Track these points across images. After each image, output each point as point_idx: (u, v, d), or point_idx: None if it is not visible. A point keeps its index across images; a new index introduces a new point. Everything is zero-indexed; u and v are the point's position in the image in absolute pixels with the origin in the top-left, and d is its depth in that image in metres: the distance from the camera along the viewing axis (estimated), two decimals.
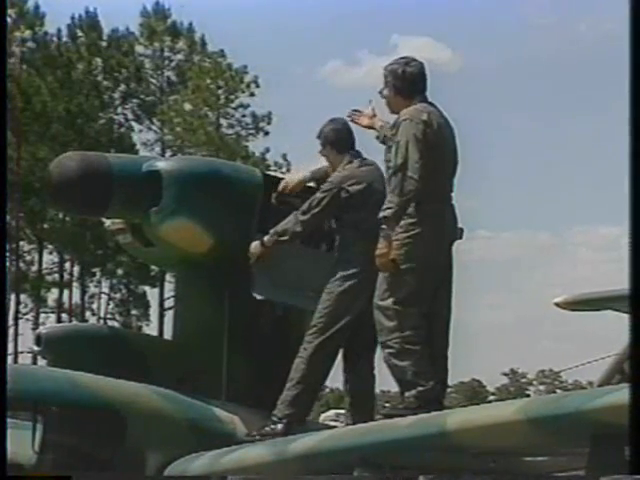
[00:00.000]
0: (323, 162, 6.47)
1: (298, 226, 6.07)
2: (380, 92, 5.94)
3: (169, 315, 33.98)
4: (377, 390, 6.45)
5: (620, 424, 4.14)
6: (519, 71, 75.64)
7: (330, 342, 5.99)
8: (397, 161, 5.62)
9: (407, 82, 5.82)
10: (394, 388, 5.92)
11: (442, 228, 5.69)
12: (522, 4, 74.33)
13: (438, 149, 5.66)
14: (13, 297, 36.95)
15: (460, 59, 72.39)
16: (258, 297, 6.24)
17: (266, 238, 6.14)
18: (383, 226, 5.63)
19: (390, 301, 5.62)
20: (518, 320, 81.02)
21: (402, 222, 5.63)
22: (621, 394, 4.20)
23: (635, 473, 3.97)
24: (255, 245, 6.18)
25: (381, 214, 5.64)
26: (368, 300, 5.74)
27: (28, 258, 40.62)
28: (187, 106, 38.99)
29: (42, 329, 6.93)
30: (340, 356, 6.19)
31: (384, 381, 6.24)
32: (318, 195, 6.09)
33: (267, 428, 5.91)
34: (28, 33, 39.08)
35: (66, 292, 41.20)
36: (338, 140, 6.28)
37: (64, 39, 40.86)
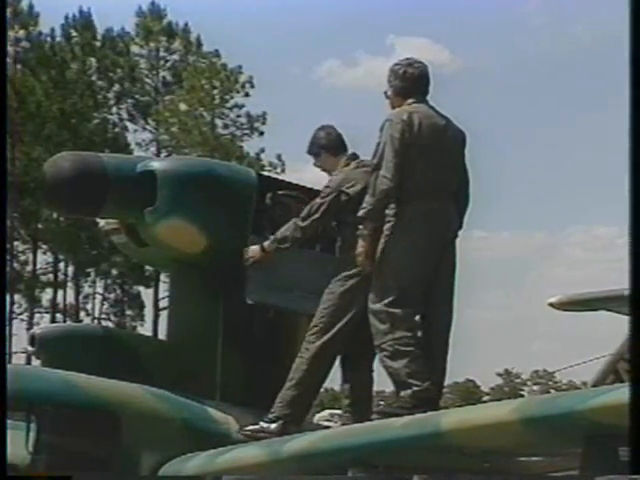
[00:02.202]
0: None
1: (298, 232, 6.04)
2: (385, 93, 5.95)
3: (164, 315, 33.96)
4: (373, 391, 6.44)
5: (614, 424, 4.15)
6: (517, 72, 75.68)
7: (331, 343, 5.98)
8: (374, 161, 5.69)
9: (407, 83, 5.83)
10: (389, 388, 5.93)
11: (429, 228, 5.67)
12: (519, 5, 74.42)
13: (420, 149, 5.64)
14: (7, 297, 36.92)
15: (457, 60, 72.35)
16: (250, 301, 6.25)
17: (266, 244, 6.11)
18: (360, 226, 5.67)
19: (381, 304, 5.61)
20: (513, 320, 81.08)
21: (388, 224, 5.65)
22: (615, 394, 4.21)
23: (635, 473, 3.97)
24: (254, 249, 6.15)
25: (358, 214, 5.68)
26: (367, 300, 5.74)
27: (22, 258, 40.62)
28: (182, 106, 38.99)
29: (36, 329, 6.92)
30: (339, 357, 6.19)
31: (379, 382, 6.24)
32: (317, 201, 6.07)
33: (262, 425, 5.91)
34: (22, 33, 39.07)
35: (60, 292, 41.24)
36: (331, 144, 6.28)
37: (58, 39, 40.86)
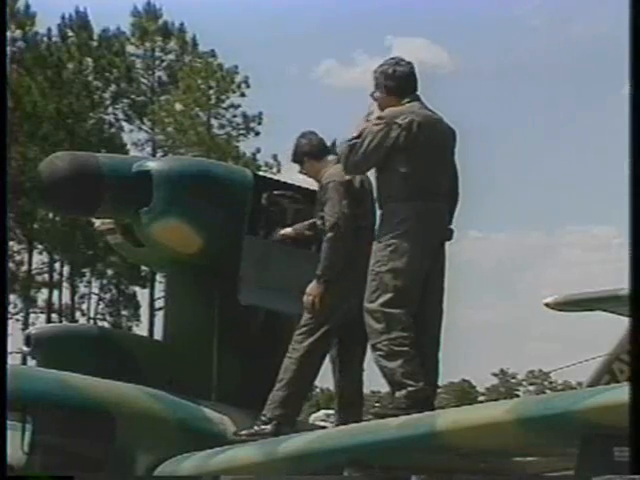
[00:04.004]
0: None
1: (334, 247, 5.90)
2: (372, 95, 5.95)
3: (159, 316, 33.97)
4: (367, 391, 6.45)
5: (610, 424, 4.16)
6: (514, 72, 75.63)
7: (320, 342, 5.98)
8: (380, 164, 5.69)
9: (398, 81, 5.85)
10: (384, 389, 5.92)
11: (426, 228, 5.69)
12: (517, 5, 74.46)
13: (418, 148, 5.66)
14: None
15: (455, 60, 72.30)
16: (243, 303, 6.25)
17: (319, 274, 5.92)
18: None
19: (377, 303, 5.62)
20: (508, 320, 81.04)
21: (385, 222, 5.67)
22: (610, 394, 4.21)
23: (635, 473, 3.98)
24: (312, 287, 5.93)
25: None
26: (358, 299, 5.74)
27: (18, 258, 40.53)
28: (178, 106, 38.95)
29: (32, 329, 6.91)
30: (329, 356, 6.19)
31: (374, 382, 6.24)
32: (333, 210, 5.95)
33: (256, 428, 5.91)
34: (18, 33, 39.03)
35: (56, 292, 41.15)
36: (313, 150, 6.28)
37: (54, 39, 40.80)
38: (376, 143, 5.63)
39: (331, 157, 6.29)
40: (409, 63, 5.92)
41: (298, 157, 6.35)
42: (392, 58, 5.97)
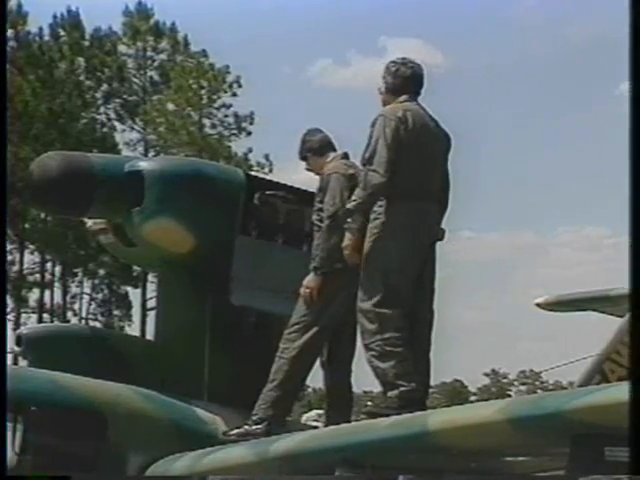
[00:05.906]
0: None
1: (335, 238, 5.87)
2: (379, 89, 6.00)
3: (151, 316, 33.92)
4: (360, 390, 6.46)
5: (600, 424, 4.17)
6: (509, 73, 75.68)
7: (313, 341, 5.98)
8: (365, 155, 5.70)
9: (398, 80, 5.89)
10: (376, 388, 5.93)
11: (418, 226, 5.69)
12: (513, 5, 74.50)
13: (412, 147, 5.67)
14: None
15: (450, 61, 72.19)
16: (235, 303, 6.25)
17: (316, 266, 5.90)
18: (348, 219, 5.68)
19: (370, 303, 5.62)
20: (500, 320, 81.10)
21: (376, 221, 5.66)
22: (601, 394, 4.23)
23: (634, 473, 3.99)
24: (310, 280, 5.91)
25: (346, 206, 5.71)
26: (349, 298, 5.74)
27: (9, 258, 40.43)
28: (170, 106, 38.93)
29: (23, 329, 6.91)
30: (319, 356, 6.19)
31: (367, 381, 6.25)
32: (334, 201, 5.95)
33: (247, 428, 5.90)
34: (10, 32, 38.94)
35: (47, 292, 41.08)
36: (316, 146, 6.30)
37: (46, 38, 40.76)
38: (383, 135, 5.61)
39: (334, 153, 6.30)
40: (416, 66, 5.94)
41: (303, 153, 6.38)
42: (403, 58, 6.01)
